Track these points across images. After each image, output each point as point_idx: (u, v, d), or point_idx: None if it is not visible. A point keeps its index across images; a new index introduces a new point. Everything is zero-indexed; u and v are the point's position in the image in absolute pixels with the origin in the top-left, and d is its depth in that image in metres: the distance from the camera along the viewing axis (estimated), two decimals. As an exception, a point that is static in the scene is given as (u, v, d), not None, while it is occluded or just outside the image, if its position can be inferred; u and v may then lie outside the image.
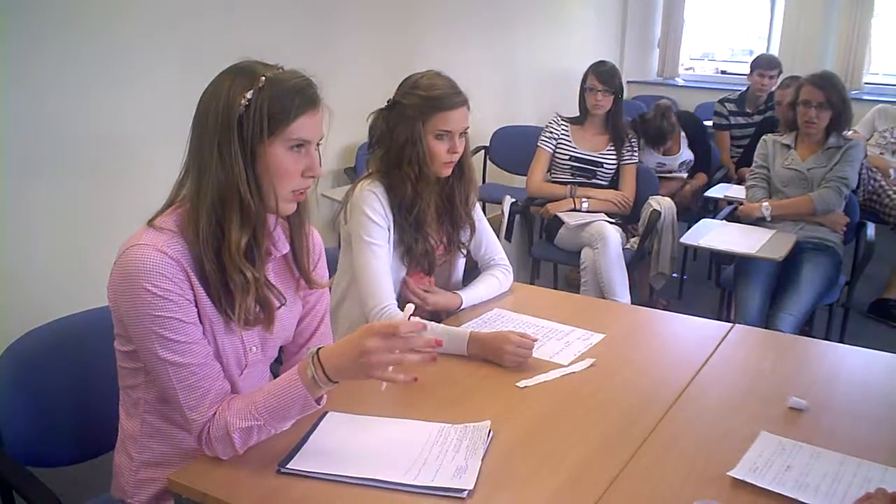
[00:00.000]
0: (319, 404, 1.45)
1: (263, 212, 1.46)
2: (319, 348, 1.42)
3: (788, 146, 3.58)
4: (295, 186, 1.47)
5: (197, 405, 1.43)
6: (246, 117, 1.39)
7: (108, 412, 1.64)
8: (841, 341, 3.48)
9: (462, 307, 2.21)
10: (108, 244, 3.00)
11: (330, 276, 2.20)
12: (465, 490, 1.37)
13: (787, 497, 1.37)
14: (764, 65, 5.13)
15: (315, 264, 1.67)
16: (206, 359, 1.45)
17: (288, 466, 1.43)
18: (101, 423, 1.72)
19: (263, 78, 1.40)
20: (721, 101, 5.35)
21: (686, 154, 4.70)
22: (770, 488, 1.39)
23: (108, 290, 1.44)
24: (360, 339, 1.37)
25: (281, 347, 1.70)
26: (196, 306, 1.44)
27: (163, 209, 1.49)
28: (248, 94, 1.39)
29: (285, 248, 1.59)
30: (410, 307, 1.44)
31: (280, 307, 1.56)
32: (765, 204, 3.51)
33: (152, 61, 3.28)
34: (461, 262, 2.35)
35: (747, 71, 5.29)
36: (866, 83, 6.83)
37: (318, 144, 1.48)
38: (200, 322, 1.45)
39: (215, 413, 1.44)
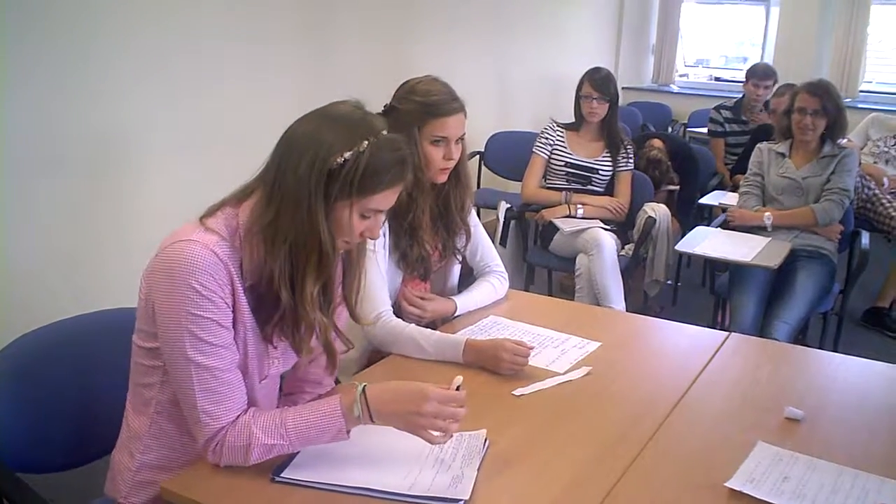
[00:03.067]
0: (349, 437, 1.45)
1: (336, 260, 1.48)
2: (365, 385, 1.43)
3: (783, 154, 3.58)
4: (349, 240, 1.49)
5: (214, 410, 1.42)
6: (337, 174, 1.38)
7: (103, 417, 1.63)
8: (835, 349, 3.48)
9: (457, 313, 2.20)
10: (103, 248, 3.01)
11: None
12: (461, 500, 1.36)
13: (784, 508, 1.37)
14: (759, 74, 5.13)
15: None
16: (231, 365, 1.45)
17: (282, 475, 1.42)
18: (95, 429, 1.71)
19: (366, 143, 1.39)
20: (717, 108, 5.35)
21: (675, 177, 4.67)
22: (767, 499, 1.38)
23: (145, 280, 1.44)
24: (419, 398, 1.40)
25: None
26: (234, 310, 1.44)
27: (216, 208, 1.48)
28: (347, 154, 1.38)
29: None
30: (459, 378, 1.47)
31: (347, 352, 1.62)
32: (767, 213, 3.51)
33: (151, 64, 3.27)
34: (457, 269, 2.34)
35: (741, 78, 5.29)
36: (861, 91, 6.85)
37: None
38: (235, 327, 1.45)
39: (235, 422, 1.43)
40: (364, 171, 1.39)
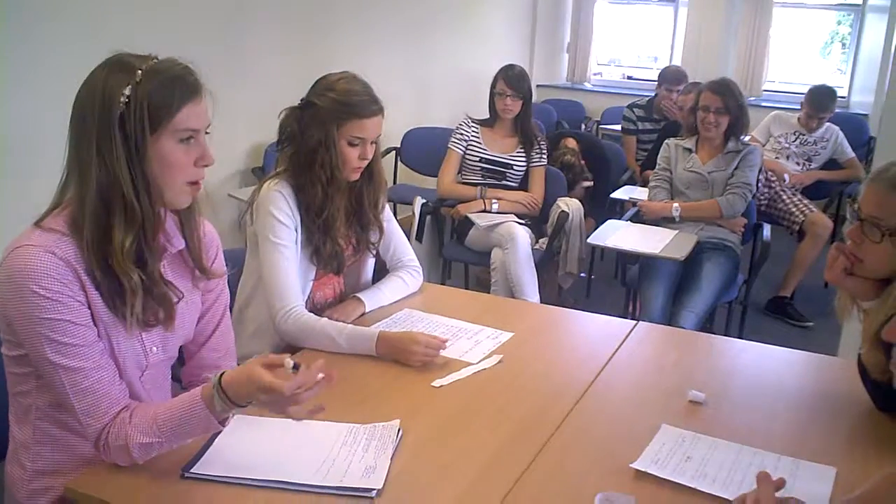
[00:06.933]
0: (224, 425, 1.42)
1: (151, 210, 1.41)
2: (222, 375, 1.37)
3: (690, 150, 3.70)
4: (189, 177, 1.43)
5: (93, 410, 1.39)
6: (127, 114, 1.34)
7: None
8: (740, 337, 3.61)
9: (366, 312, 2.20)
10: None
11: (238, 277, 2.17)
12: (373, 490, 1.37)
13: (686, 486, 1.42)
14: (669, 79, 5.29)
15: (213, 259, 1.63)
16: (99, 362, 1.40)
17: (192, 471, 1.40)
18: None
19: (140, 71, 1.35)
20: (630, 107, 5.49)
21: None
22: (671, 479, 1.44)
23: None
24: (256, 376, 1.33)
25: (181, 347, 1.66)
26: (89, 308, 1.39)
27: (49, 211, 1.42)
28: (126, 90, 1.33)
29: (180, 243, 1.54)
30: (289, 361, 1.37)
31: (178, 301, 1.52)
32: (675, 205, 3.62)
33: (38, 58, 3.15)
34: (371, 263, 2.34)
35: (652, 77, 5.44)
36: (765, 90, 7.11)
37: (205, 131, 1.44)
38: (95, 325, 1.41)
39: (115, 419, 1.40)
40: (150, 97, 1.34)
